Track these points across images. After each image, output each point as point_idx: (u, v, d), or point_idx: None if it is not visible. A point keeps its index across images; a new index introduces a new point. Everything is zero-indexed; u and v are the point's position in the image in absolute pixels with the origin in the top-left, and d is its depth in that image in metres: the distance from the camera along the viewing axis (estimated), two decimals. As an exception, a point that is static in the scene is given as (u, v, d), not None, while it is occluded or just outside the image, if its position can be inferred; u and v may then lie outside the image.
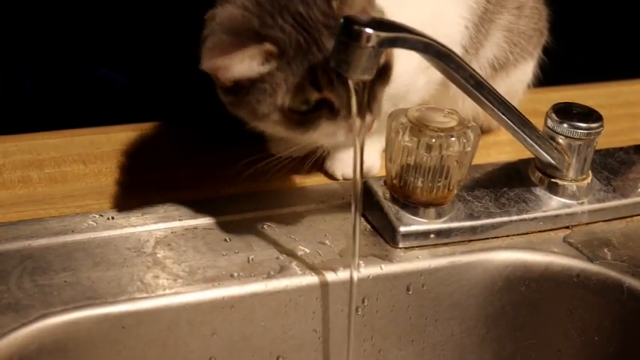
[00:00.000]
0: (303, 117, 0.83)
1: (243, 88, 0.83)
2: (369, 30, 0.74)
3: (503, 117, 0.87)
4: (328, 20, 0.80)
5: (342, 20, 0.75)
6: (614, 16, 1.37)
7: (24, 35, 1.09)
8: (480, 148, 0.96)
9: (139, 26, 1.16)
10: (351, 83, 0.79)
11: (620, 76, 1.32)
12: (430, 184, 0.89)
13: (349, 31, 0.74)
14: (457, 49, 0.97)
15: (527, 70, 1.07)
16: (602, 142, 1.04)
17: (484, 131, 1.09)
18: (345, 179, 0.99)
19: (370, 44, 0.74)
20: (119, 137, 1.04)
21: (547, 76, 1.13)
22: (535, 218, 0.94)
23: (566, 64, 1.13)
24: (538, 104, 1.12)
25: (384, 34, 0.74)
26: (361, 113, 0.81)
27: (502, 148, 1.07)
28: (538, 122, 0.97)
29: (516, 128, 0.88)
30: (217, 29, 0.82)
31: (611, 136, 1.10)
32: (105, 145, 1.03)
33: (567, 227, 0.96)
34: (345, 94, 0.80)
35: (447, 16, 0.95)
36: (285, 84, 0.81)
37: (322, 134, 0.85)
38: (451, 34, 0.95)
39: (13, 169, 0.98)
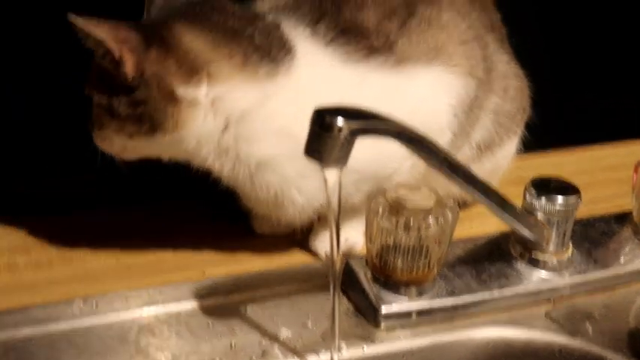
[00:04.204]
0: None
1: None
2: (340, 120, 0.75)
3: (480, 197, 0.88)
4: None
5: (314, 111, 0.76)
6: (596, 77, 1.38)
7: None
8: (464, 220, 0.97)
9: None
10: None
11: (603, 139, 1.33)
12: (410, 264, 0.90)
13: (321, 122, 0.75)
14: (446, 135, 0.98)
15: (511, 147, 1.08)
16: (585, 210, 1.04)
17: (469, 204, 1.10)
18: (328, 257, 1.00)
19: (342, 134, 0.75)
20: (105, 220, 1.05)
21: (531, 140, 1.14)
22: (516, 294, 0.95)
23: (549, 127, 1.14)
24: (521, 171, 1.13)
25: (355, 124, 0.75)
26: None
27: (485, 219, 1.07)
28: (521, 190, 0.98)
29: (493, 207, 0.89)
30: None
31: (594, 203, 1.11)
32: (91, 228, 1.04)
33: (549, 301, 0.96)
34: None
35: (435, 105, 0.96)
36: None
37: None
38: (439, 122, 0.96)
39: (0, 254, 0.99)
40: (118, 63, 0.86)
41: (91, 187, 1.05)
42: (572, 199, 0.94)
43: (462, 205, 1.07)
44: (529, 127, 1.11)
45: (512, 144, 1.08)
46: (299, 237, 1.03)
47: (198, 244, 1.02)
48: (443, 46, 0.96)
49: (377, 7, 0.96)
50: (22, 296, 0.92)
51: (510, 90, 1.03)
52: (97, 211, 1.06)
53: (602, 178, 1.23)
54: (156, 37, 0.87)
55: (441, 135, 0.97)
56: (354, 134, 0.76)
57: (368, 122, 0.77)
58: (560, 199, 0.94)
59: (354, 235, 1.00)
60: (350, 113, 0.76)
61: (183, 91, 0.87)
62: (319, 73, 0.92)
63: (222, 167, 0.93)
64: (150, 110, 0.88)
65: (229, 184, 0.96)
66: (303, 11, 0.96)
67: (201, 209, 1.07)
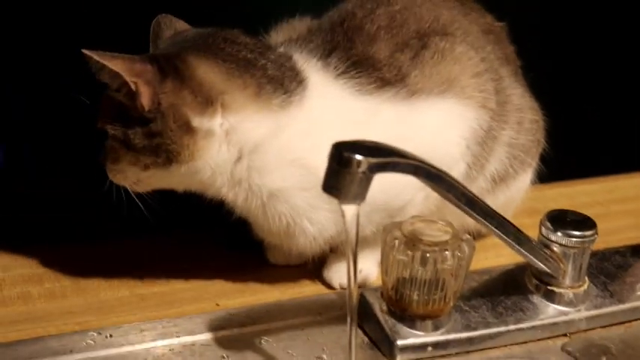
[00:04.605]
0: None
1: None
2: (358, 156, 0.74)
3: (497, 231, 0.87)
4: None
5: (332, 146, 0.76)
6: (610, 109, 1.38)
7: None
8: (478, 251, 0.96)
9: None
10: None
11: (617, 170, 1.33)
12: (426, 297, 0.90)
13: (339, 158, 0.75)
14: (460, 166, 0.98)
15: (525, 179, 1.08)
16: (600, 242, 1.03)
17: (484, 234, 1.09)
18: (342, 288, 1.00)
19: (360, 170, 0.75)
20: (118, 250, 1.05)
21: (544, 172, 1.14)
22: (532, 327, 0.94)
23: (562, 158, 1.13)
24: (535, 202, 1.13)
25: (373, 160, 0.75)
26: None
27: (499, 250, 1.07)
28: (536, 222, 0.98)
29: (510, 241, 0.89)
30: None
31: (609, 234, 1.10)
32: (104, 259, 1.03)
33: (565, 335, 0.95)
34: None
35: (447, 137, 0.96)
36: None
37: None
38: (451, 154, 0.96)
39: (12, 284, 0.99)
40: (133, 95, 0.86)
41: (104, 218, 1.05)
42: (589, 233, 0.94)
43: (477, 235, 1.07)
44: (543, 158, 1.11)
45: (526, 176, 1.08)
46: (310, 267, 1.03)
47: (211, 275, 1.01)
48: (456, 79, 0.96)
49: (389, 40, 0.97)
50: (35, 327, 0.92)
51: (525, 123, 1.03)
52: (110, 242, 1.06)
53: (616, 210, 1.22)
54: (171, 68, 0.87)
55: (455, 166, 0.97)
56: (372, 170, 0.75)
57: (386, 158, 0.77)
58: (576, 233, 0.93)
59: (368, 267, 1.00)
60: (368, 149, 0.76)
61: (198, 121, 0.88)
62: (331, 105, 0.93)
63: (236, 198, 0.93)
64: (166, 141, 0.88)
65: (242, 214, 0.96)
66: (315, 43, 0.97)
67: (214, 240, 1.07)
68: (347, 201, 0.76)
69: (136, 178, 0.92)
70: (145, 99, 0.86)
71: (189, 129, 0.87)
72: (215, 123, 0.88)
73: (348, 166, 0.75)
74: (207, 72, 0.88)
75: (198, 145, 0.88)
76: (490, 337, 0.92)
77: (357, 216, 0.77)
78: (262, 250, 1.04)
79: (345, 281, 0.98)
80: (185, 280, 1.01)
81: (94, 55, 0.84)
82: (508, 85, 1.03)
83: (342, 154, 0.75)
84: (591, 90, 1.36)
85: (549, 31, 1.30)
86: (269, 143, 0.90)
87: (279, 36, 1.03)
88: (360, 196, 0.76)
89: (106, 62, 0.84)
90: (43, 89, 1.06)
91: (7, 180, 1.07)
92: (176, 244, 1.07)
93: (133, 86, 0.85)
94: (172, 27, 0.96)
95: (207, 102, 0.88)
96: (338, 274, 1.00)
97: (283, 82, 0.90)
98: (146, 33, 0.97)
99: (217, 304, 0.97)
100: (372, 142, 0.78)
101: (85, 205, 1.05)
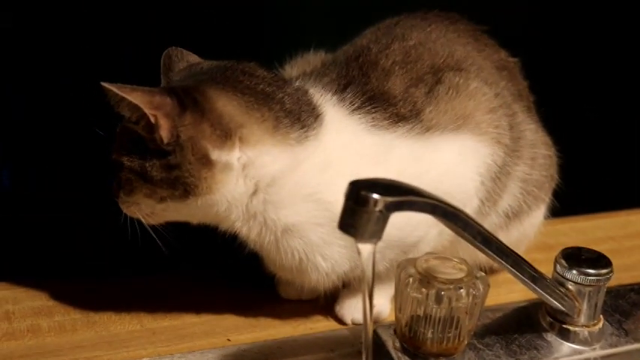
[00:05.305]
0: None
1: None
2: (376, 195, 0.74)
3: (512, 269, 0.87)
4: None
5: (349, 185, 0.75)
6: (621, 142, 1.38)
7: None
8: (491, 287, 0.95)
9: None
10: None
11: (630, 205, 1.32)
12: (440, 335, 0.89)
13: (356, 196, 0.74)
14: (473, 202, 0.97)
15: (539, 215, 1.08)
16: (613, 278, 1.02)
17: (495, 270, 1.09)
18: (354, 324, 0.99)
19: (377, 209, 0.74)
20: (129, 284, 1.04)
21: (556, 206, 1.13)
22: (547, 366, 0.93)
23: (574, 193, 1.13)
24: (548, 237, 1.13)
25: (390, 199, 0.74)
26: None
27: (512, 286, 1.06)
28: (548, 257, 0.98)
29: (525, 279, 0.88)
30: None
31: (623, 271, 1.09)
32: (114, 292, 1.03)
33: (580, 374, 0.95)
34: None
35: (462, 173, 0.96)
36: None
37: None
38: (465, 190, 0.96)
39: (22, 317, 0.98)
40: (152, 128, 0.86)
41: (115, 253, 1.04)
42: (604, 271, 0.93)
43: (489, 271, 1.06)
44: (555, 192, 1.10)
45: (540, 212, 1.07)
46: (323, 302, 1.02)
47: (222, 309, 1.01)
48: (470, 115, 0.96)
49: (404, 75, 0.96)
50: (45, 361, 0.91)
51: (539, 158, 1.03)
52: (121, 276, 1.05)
53: (629, 245, 1.22)
54: (190, 101, 0.87)
55: (468, 202, 0.96)
56: (389, 209, 0.75)
57: (403, 197, 0.76)
58: (592, 271, 0.93)
59: (381, 303, 1.00)
60: (385, 188, 0.75)
61: (217, 154, 0.87)
62: (347, 140, 0.92)
63: (249, 231, 0.93)
64: (184, 174, 0.87)
65: (255, 248, 0.95)
66: (330, 78, 0.97)
67: (225, 274, 1.07)
68: (363, 240, 0.76)
69: (150, 210, 0.91)
70: (165, 131, 0.86)
71: (207, 162, 0.87)
72: (233, 156, 0.87)
73: (365, 205, 0.74)
74: (226, 105, 0.88)
75: (216, 179, 0.87)
76: (504, 376, 0.92)
77: (374, 254, 0.77)
78: (274, 285, 1.04)
79: (357, 316, 0.98)
80: (196, 315, 1.00)
81: (114, 88, 0.84)
82: (522, 120, 1.02)
83: (359, 193, 0.74)
84: (604, 125, 1.35)
85: (561, 66, 1.30)
86: (285, 178, 0.89)
87: (293, 70, 1.03)
88: (376, 235, 0.76)
89: (125, 95, 0.84)
90: (43, 89, 1.06)
91: (7, 182, 1.07)
92: (187, 278, 1.06)
93: (152, 119, 0.85)
94: (184, 59, 0.96)
95: (226, 135, 0.87)
96: (350, 309, 1.00)
97: (300, 117, 0.90)
98: (153, 63, 0.96)
99: (229, 339, 0.96)
100: (389, 180, 0.77)
101: (95, 239, 1.05)
